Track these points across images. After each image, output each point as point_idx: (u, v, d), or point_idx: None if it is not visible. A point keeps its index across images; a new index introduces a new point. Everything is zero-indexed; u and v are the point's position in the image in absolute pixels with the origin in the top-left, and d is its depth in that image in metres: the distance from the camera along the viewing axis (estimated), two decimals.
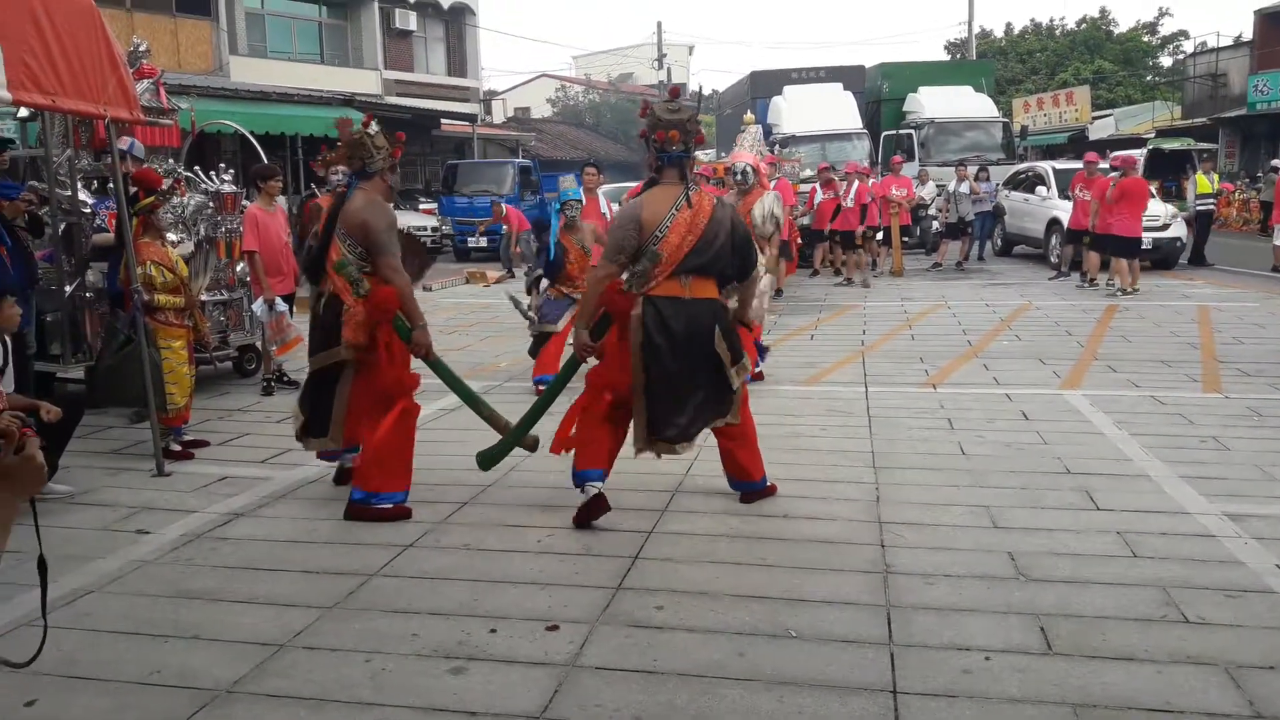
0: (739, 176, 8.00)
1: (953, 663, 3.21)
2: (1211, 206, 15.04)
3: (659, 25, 47.47)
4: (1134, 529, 4.36)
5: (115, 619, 3.67)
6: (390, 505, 4.76)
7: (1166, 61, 44.11)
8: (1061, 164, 18.39)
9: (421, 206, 24.54)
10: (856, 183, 14.80)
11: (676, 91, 4.81)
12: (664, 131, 4.47)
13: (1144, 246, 13.45)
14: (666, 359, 4.44)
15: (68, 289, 7.15)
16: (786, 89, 21.77)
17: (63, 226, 7.12)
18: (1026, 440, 5.86)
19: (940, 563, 4.03)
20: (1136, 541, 4.21)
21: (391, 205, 5.02)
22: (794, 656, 3.27)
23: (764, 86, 22.90)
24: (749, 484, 4.89)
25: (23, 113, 7.16)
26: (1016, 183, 18.12)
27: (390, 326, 4.81)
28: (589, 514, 4.54)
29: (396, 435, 4.83)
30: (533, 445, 5.11)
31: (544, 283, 7.93)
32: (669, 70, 48.04)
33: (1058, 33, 45.47)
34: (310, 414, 5.01)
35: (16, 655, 3.35)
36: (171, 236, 6.38)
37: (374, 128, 4.88)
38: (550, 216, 7.81)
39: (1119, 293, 12.61)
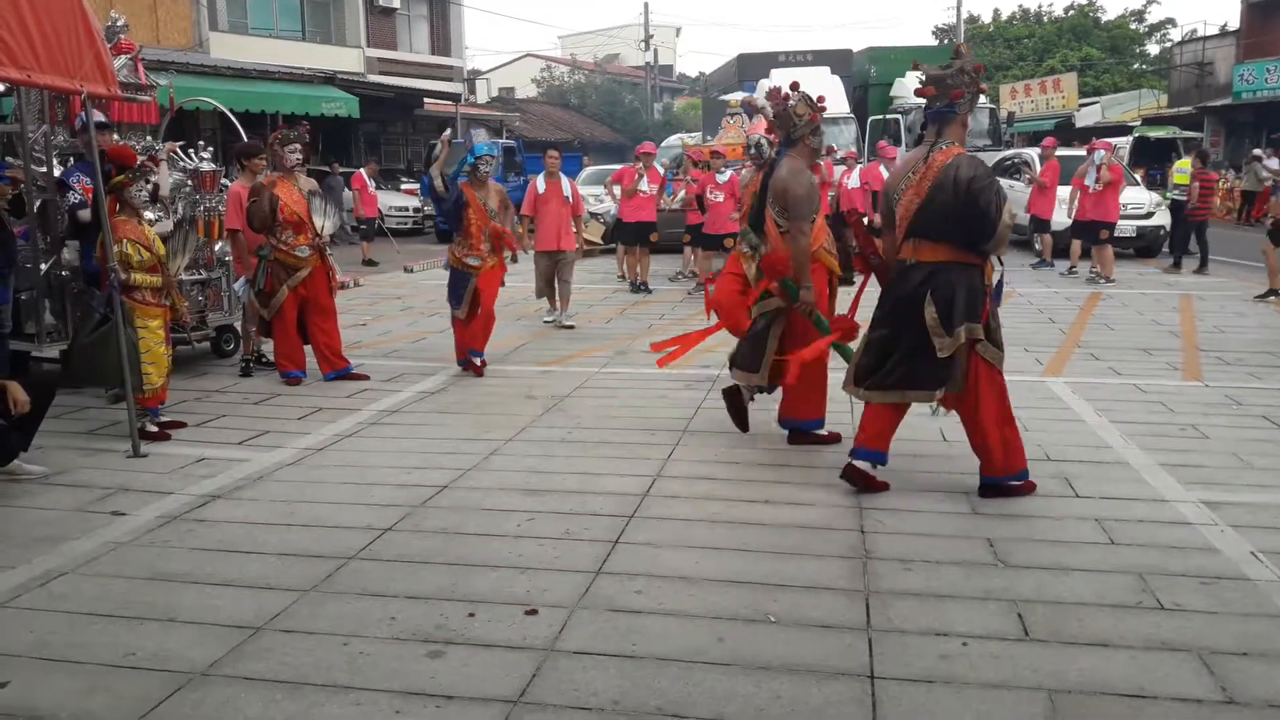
0: (753, 150, 6.86)
1: (930, 648, 3.22)
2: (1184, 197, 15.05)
3: (646, 6, 47.23)
4: (1112, 516, 4.38)
5: (89, 601, 3.63)
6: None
7: (1154, 50, 44.26)
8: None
9: (403, 187, 24.36)
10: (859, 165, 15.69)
11: (957, 50, 4.69)
12: (924, 88, 4.50)
13: (1127, 235, 14.24)
14: (880, 321, 4.65)
15: (43, 267, 7.05)
16: (774, 72, 21.64)
17: (38, 203, 7.02)
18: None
19: (919, 549, 4.04)
20: (1114, 528, 4.23)
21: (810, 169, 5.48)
22: (772, 641, 3.27)
23: (751, 69, 22.79)
24: (1007, 477, 4.61)
25: None
26: (1002, 169, 18.15)
27: (781, 284, 5.28)
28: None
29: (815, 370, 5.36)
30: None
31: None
32: (655, 51, 47.87)
33: (1045, 19, 45.50)
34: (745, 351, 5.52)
35: None
36: (149, 215, 6.30)
37: (794, 97, 5.39)
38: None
39: (1070, 271, 13.56)
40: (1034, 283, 12.95)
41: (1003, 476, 4.61)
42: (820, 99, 5.60)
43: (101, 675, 3.10)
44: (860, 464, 4.68)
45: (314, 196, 7.32)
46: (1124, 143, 23.56)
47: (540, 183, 10.02)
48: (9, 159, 6.82)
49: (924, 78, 4.52)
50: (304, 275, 7.19)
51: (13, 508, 4.66)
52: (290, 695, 2.98)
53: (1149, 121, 30.21)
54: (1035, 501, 4.60)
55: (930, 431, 5.81)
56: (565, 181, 10.19)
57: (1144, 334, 9.07)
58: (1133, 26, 44.31)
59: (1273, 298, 11.14)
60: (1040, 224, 14.49)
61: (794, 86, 5.48)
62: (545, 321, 10.06)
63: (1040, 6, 46.21)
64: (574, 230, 10.15)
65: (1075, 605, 3.51)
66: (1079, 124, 33.00)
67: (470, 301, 7.49)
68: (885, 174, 15.83)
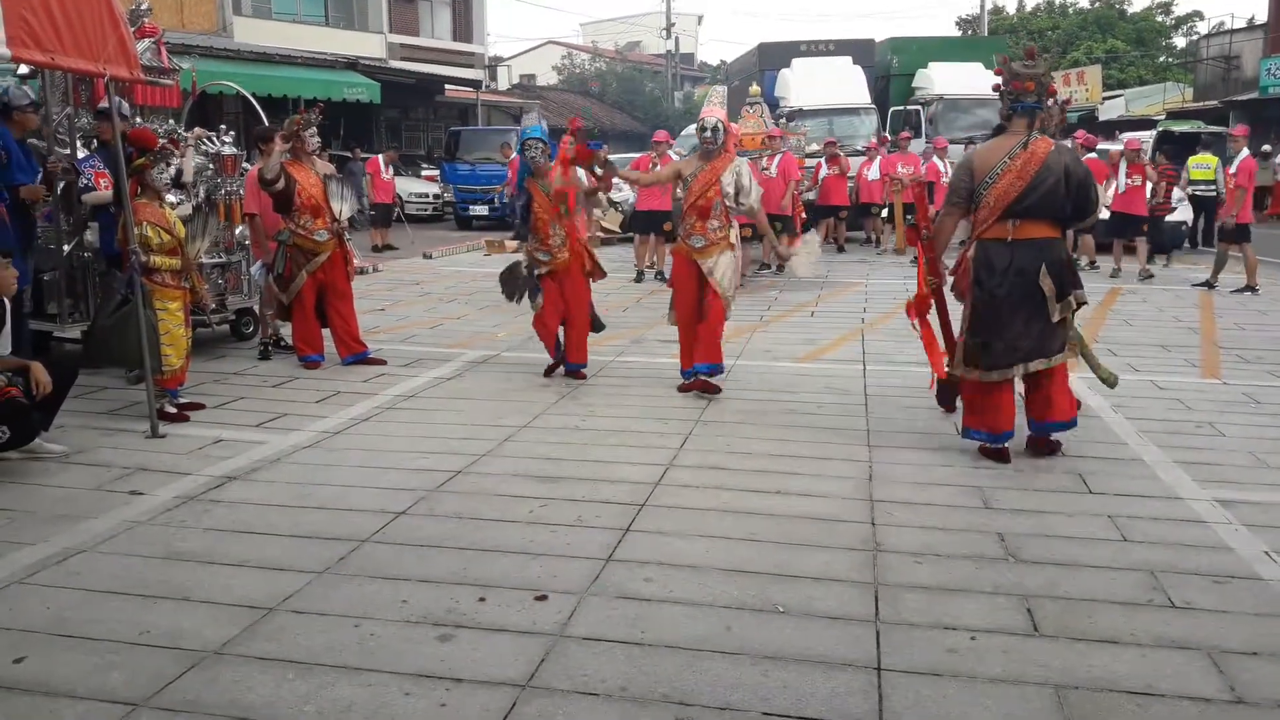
0: (708, 134, 6.42)
1: (938, 641, 3.22)
2: (1210, 193, 14.85)
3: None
4: (1125, 513, 4.36)
5: (106, 579, 3.68)
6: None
7: (1180, 42, 43.74)
8: (1068, 143, 18.30)
9: (423, 173, 24.42)
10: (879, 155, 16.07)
11: (1033, 52, 5.14)
12: (1020, 83, 4.89)
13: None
14: (989, 296, 4.93)
15: (65, 248, 7.13)
16: (795, 61, 21.54)
17: (61, 185, 7.08)
18: (1021, 422, 5.84)
19: (930, 542, 4.04)
20: (1127, 525, 4.22)
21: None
22: (780, 631, 3.28)
23: (772, 58, 22.67)
24: (1061, 424, 5.12)
25: (22, 70, 7.09)
26: None
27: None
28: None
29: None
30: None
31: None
32: (676, 40, 47.69)
33: (1070, 11, 45.04)
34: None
35: (6, 618, 3.38)
36: (170, 198, 6.35)
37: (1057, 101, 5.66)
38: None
39: (1089, 267, 13.50)
40: None
41: (1070, 420, 5.16)
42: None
43: (117, 652, 3.15)
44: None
45: (331, 180, 7.35)
46: (1148, 136, 23.35)
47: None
48: (34, 141, 6.87)
49: (1020, 74, 4.91)
50: (322, 260, 7.23)
51: (33, 485, 4.73)
52: (301, 675, 3.01)
53: (1174, 115, 29.87)
54: (1048, 497, 4.59)
55: (945, 425, 5.80)
56: (581, 170, 10.17)
57: (1163, 330, 9.00)
58: (1159, 19, 43.80)
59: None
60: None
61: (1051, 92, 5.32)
62: None
63: None
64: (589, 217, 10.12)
65: (1086, 602, 3.50)
66: (1102, 117, 32.69)
67: (548, 303, 6.87)
68: (902, 168, 15.87)
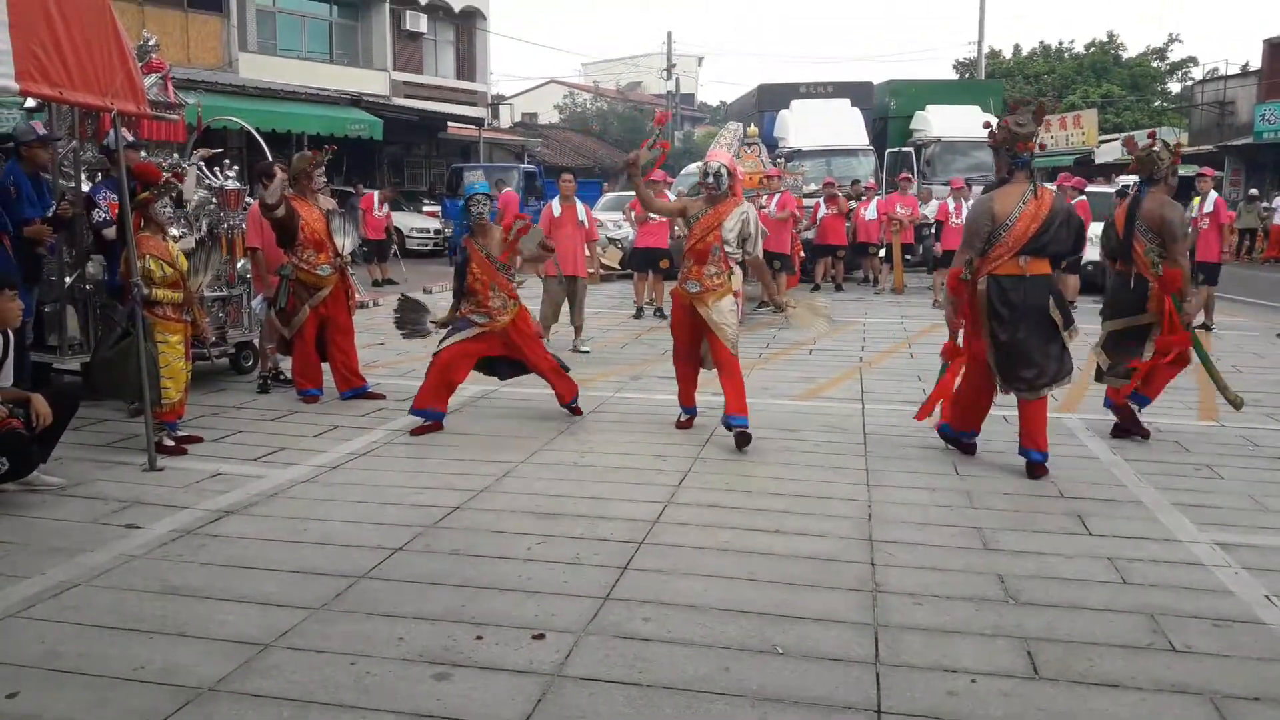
0: (710, 179, 6.18)
1: (938, 684, 3.20)
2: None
3: (669, 35, 47.56)
4: (1125, 555, 4.35)
5: (101, 613, 3.66)
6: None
7: (1175, 87, 44.23)
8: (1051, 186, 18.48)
9: (425, 209, 24.56)
10: (876, 196, 16.15)
11: (1016, 106, 6.14)
12: (1023, 143, 5.57)
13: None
14: (1009, 325, 5.49)
15: (67, 280, 7.15)
16: (794, 103, 21.78)
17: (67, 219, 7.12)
18: (1021, 463, 5.85)
19: (930, 583, 4.03)
20: (1127, 568, 4.21)
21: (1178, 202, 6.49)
22: (780, 673, 3.26)
23: (771, 100, 22.92)
24: (1038, 454, 5.57)
25: (30, 103, 7.17)
26: None
27: (1170, 297, 6.16)
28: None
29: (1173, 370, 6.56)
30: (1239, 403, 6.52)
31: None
32: (677, 80, 48.15)
33: (1066, 55, 45.59)
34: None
35: (3, 651, 3.36)
36: (174, 231, 6.39)
37: (1158, 142, 6.35)
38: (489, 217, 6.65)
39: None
40: None
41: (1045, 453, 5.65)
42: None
43: (111, 688, 3.12)
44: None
45: (333, 215, 7.40)
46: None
47: (556, 206, 10.05)
48: (47, 176, 6.93)
49: (1019, 135, 5.58)
50: (325, 294, 7.25)
51: (29, 518, 4.71)
52: (296, 713, 2.99)
53: None
54: (1047, 538, 4.58)
55: (944, 465, 5.80)
56: (580, 206, 10.24)
57: None
58: (1154, 64, 44.34)
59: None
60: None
61: (1151, 135, 6.40)
62: (578, 350, 9.93)
63: (1061, 43, 46.37)
64: (588, 255, 10.18)
65: (1086, 644, 3.49)
66: (1099, 160, 32.93)
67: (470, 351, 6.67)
68: (900, 208, 16.01)
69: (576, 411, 6.94)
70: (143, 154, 7.25)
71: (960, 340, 5.86)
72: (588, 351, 9.81)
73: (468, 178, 6.90)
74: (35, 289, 6.69)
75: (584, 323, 10.22)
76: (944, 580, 4.06)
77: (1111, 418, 6.58)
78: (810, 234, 15.98)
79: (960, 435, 6.05)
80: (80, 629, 3.53)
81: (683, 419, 6.63)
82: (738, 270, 6.44)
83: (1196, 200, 12.13)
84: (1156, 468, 5.78)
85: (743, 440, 6.07)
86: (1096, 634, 3.57)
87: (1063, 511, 4.97)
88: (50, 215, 6.71)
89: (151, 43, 7.83)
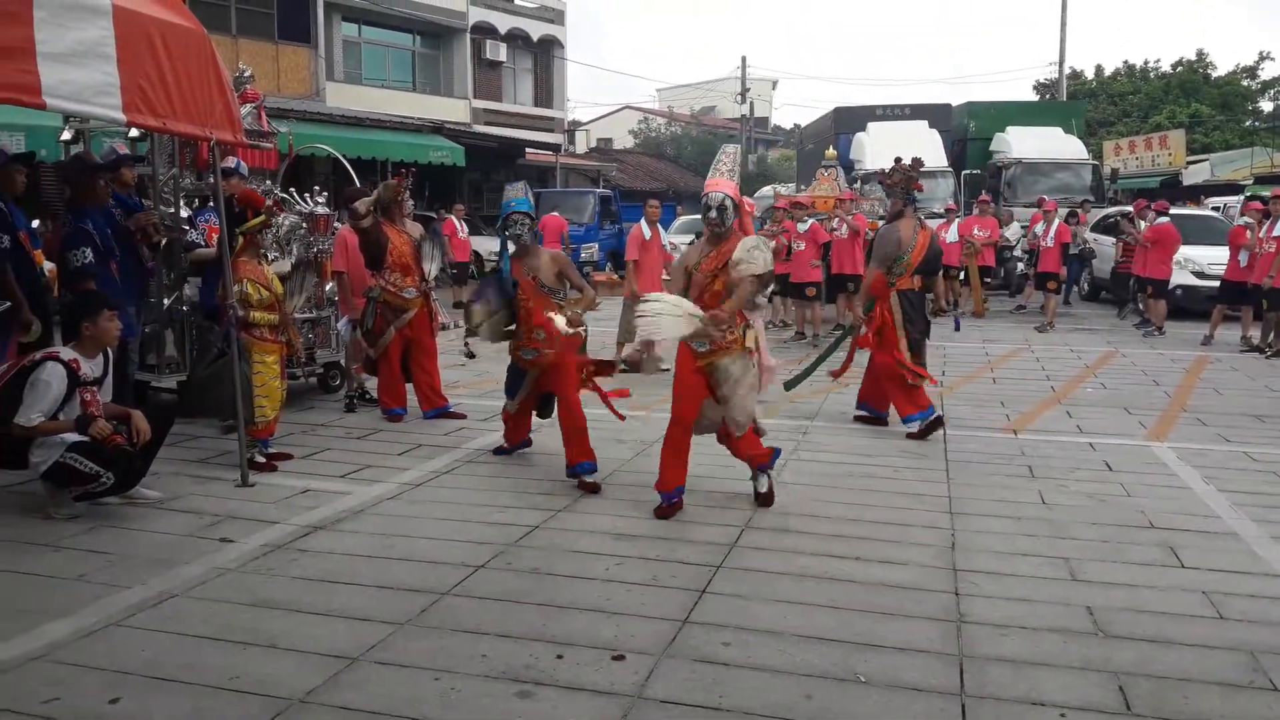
0: (714, 214, 5.17)
1: (1026, 718, 3.13)
2: None
3: (743, 60, 47.65)
4: (1220, 589, 4.21)
5: (197, 623, 3.79)
6: None
7: (1267, 107, 42.78)
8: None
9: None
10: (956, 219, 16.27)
11: (919, 163, 7.61)
12: (918, 183, 7.31)
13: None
14: (916, 325, 7.18)
15: (165, 302, 7.44)
16: (870, 125, 21.66)
17: (163, 242, 7.42)
18: (1109, 492, 5.71)
19: (1016, 614, 3.95)
20: (1223, 602, 4.07)
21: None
22: (862, 702, 3.23)
23: (847, 122, 22.83)
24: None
25: (133, 133, 7.48)
26: (1105, 227, 17.74)
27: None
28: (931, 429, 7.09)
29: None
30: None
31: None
32: (751, 104, 48.20)
33: (1152, 75, 44.47)
34: None
35: (104, 659, 3.50)
36: (270, 254, 6.63)
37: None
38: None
39: (1155, 331, 13.41)
40: (1139, 344, 12.58)
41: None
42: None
43: (207, 697, 3.23)
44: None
45: (424, 241, 7.58)
46: (1235, 201, 22.83)
47: (645, 229, 10.16)
48: (144, 200, 7.25)
49: (915, 178, 7.30)
50: (410, 316, 7.43)
51: (132, 530, 4.90)
52: None
53: (1261, 180, 29.12)
54: (1138, 570, 4.45)
55: (1029, 494, 5.68)
56: (663, 234, 10.37)
57: (1257, 400, 8.72)
58: (1244, 83, 42.97)
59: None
60: (1149, 285, 14.02)
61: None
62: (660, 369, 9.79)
63: (1146, 62, 45.23)
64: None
65: (1181, 681, 3.38)
66: (1187, 181, 32.00)
67: (530, 394, 6.09)
68: (978, 230, 15.82)
69: (586, 486, 5.67)
70: (244, 179, 7.55)
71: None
72: (667, 370, 9.81)
73: (507, 192, 5.89)
74: (143, 310, 6.98)
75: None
76: (1031, 611, 3.98)
77: (1207, 445, 6.39)
78: None
79: (876, 413, 7.54)
80: (178, 638, 3.66)
81: (666, 505, 5.23)
82: (757, 322, 5.34)
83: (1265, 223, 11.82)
84: (1253, 499, 5.58)
85: (765, 502, 5.39)
86: (1192, 670, 3.46)
87: (1153, 543, 4.83)
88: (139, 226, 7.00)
89: (247, 74, 8.14)
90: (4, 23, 4.20)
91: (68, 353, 5.09)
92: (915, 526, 5.07)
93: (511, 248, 5.99)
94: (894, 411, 7.34)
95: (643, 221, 10.25)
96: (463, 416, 7.57)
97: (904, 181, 7.24)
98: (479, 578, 4.29)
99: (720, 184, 5.25)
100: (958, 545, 4.78)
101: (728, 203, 5.18)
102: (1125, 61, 45.58)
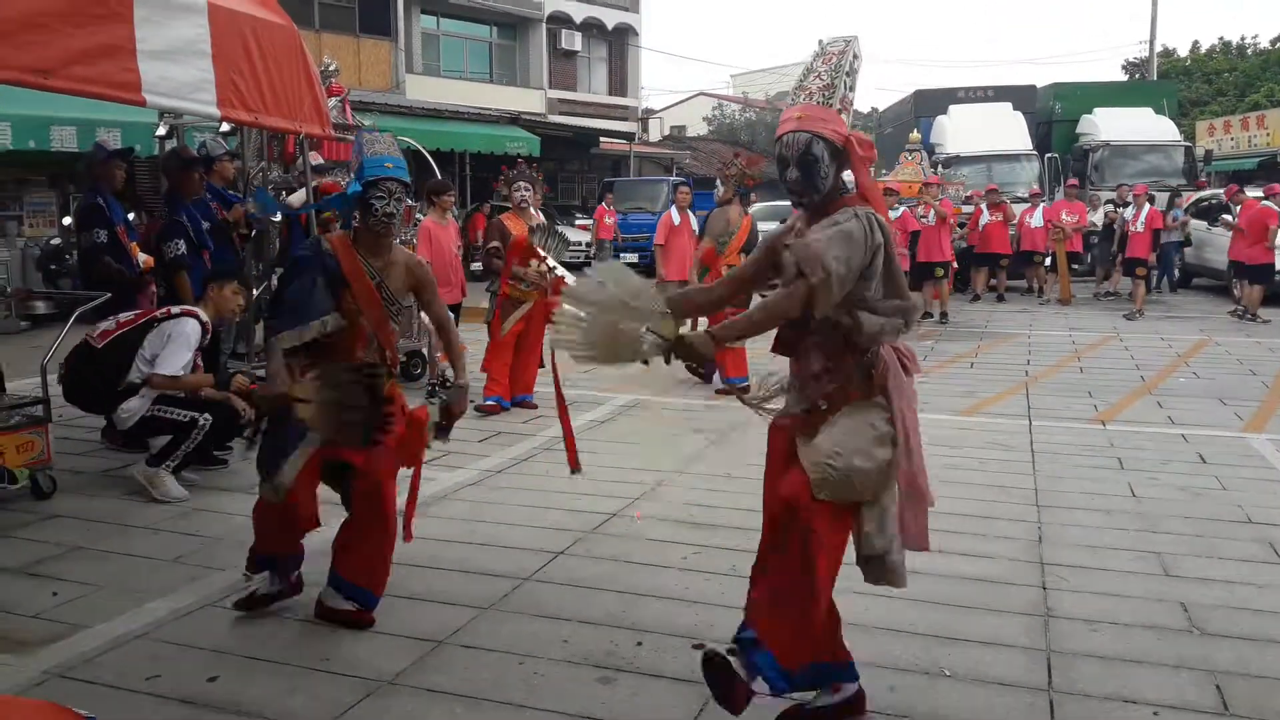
0: (793, 174, 3.13)
1: (1117, 715, 3.06)
2: None
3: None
4: None
5: (290, 604, 3.89)
6: None
7: None
8: (1252, 190, 17.28)
9: (577, 222, 25.07)
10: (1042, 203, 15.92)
11: (753, 160, 8.44)
12: (750, 179, 8.30)
13: None
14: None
15: (255, 292, 7.65)
16: (952, 108, 21.17)
17: (252, 234, 7.63)
18: (1203, 485, 5.52)
19: (1106, 609, 3.85)
20: None
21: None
22: (948, 696, 3.19)
23: (928, 105, 22.35)
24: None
25: (224, 127, 7.71)
26: (1199, 211, 17.11)
27: None
28: None
29: None
30: None
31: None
32: None
33: (1249, 52, 42.67)
34: None
35: (202, 638, 3.63)
36: None
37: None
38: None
39: (1251, 317, 13.02)
40: (1234, 331, 12.12)
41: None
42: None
43: (301, 677, 3.33)
44: None
45: (536, 233, 7.62)
46: None
47: (675, 215, 10.03)
48: (234, 192, 7.47)
49: (748, 174, 8.38)
50: (527, 308, 7.51)
51: (225, 514, 5.07)
52: (470, 710, 3.11)
53: None
54: (1235, 566, 4.31)
55: (1119, 486, 5.53)
56: (693, 219, 10.18)
57: None
58: None
59: None
60: (1246, 271, 13.57)
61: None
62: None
63: (1244, 38, 43.43)
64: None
65: None
66: None
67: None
68: (1066, 215, 15.43)
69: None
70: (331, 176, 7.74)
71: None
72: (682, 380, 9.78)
73: (366, 144, 3.97)
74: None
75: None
76: (1121, 607, 3.88)
77: None
78: (962, 243, 15.48)
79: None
80: (270, 620, 3.77)
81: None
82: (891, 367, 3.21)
83: None
84: None
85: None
86: None
87: (1251, 538, 4.66)
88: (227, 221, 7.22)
89: (332, 68, 8.32)
90: (107, 22, 4.35)
91: (204, 314, 5.34)
92: (1001, 519, 4.98)
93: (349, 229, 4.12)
94: None
95: (673, 208, 10.10)
96: (535, 406, 7.63)
97: (739, 176, 8.23)
98: (559, 564, 4.34)
99: (808, 114, 3.06)
100: (1045, 539, 4.67)
101: (819, 148, 3.00)
102: (1220, 38, 43.86)
